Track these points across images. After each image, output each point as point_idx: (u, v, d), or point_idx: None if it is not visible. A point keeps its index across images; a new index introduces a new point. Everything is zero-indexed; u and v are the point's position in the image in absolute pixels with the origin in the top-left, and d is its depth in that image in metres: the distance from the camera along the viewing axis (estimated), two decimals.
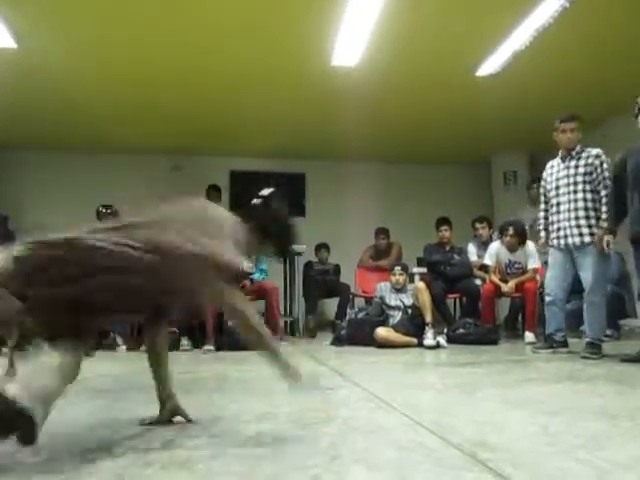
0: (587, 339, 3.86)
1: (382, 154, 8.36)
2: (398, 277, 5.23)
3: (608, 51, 5.25)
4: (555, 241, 4.08)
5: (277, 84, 5.96)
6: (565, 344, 4.16)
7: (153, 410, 2.12)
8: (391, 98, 6.30)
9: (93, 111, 6.56)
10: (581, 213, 3.92)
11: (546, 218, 4.24)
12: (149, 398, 2.41)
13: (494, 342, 4.86)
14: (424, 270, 6.08)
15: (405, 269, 5.41)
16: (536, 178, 6.53)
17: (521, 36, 4.88)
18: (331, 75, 5.63)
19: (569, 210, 3.97)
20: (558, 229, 4.05)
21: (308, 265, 6.67)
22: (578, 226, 3.92)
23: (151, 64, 5.48)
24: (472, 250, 5.85)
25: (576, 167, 3.98)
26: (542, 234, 4.29)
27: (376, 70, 5.54)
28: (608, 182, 3.85)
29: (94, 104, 6.35)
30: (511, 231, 5.15)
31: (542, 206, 4.26)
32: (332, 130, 7.34)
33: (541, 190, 4.29)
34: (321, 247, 6.94)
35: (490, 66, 5.51)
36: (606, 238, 3.74)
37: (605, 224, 3.81)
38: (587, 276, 3.88)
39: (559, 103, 5.84)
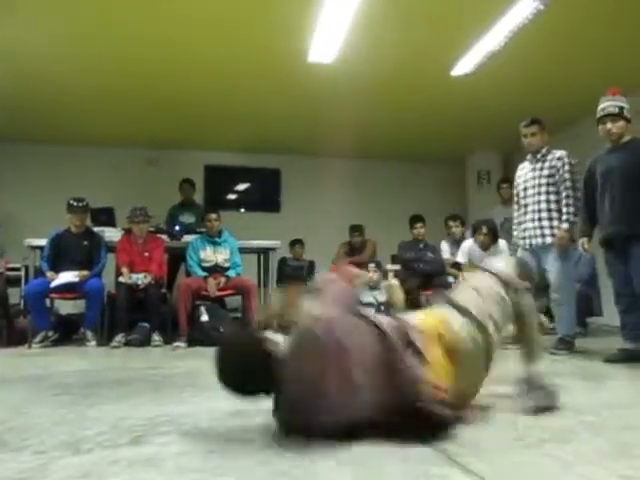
0: (558, 335, 3.94)
1: (357, 151, 8.38)
2: (372, 274, 5.25)
3: (582, 53, 5.33)
4: (522, 241, 4.18)
5: (254, 79, 5.91)
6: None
7: (122, 406, 2.10)
8: (367, 95, 6.31)
9: (68, 103, 6.42)
10: (544, 214, 4.00)
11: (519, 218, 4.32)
12: (117, 394, 2.39)
13: None
14: (398, 267, 6.12)
15: (379, 266, 5.43)
16: (506, 178, 6.65)
17: (496, 36, 4.93)
18: (307, 71, 5.62)
19: (533, 211, 4.07)
20: (524, 229, 4.15)
21: (283, 261, 6.65)
22: (541, 227, 4.00)
23: (127, 57, 5.37)
24: (445, 248, 5.90)
25: (541, 169, 4.06)
26: (515, 234, 4.35)
27: (352, 67, 5.54)
28: (569, 183, 3.91)
29: (70, 95, 6.21)
30: (484, 229, 5.21)
31: (515, 206, 4.33)
32: (308, 126, 7.33)
33: (514, 191, 4.36)
34: (296, 243, 6.93)
35: (464, 66, 5.56)
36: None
37: (565, 225, 3.88)
38: (551, 275, 3.97)
39: (533, 104, 5.94)
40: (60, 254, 4.92)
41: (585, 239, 3.82)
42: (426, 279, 5.75)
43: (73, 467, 1.34)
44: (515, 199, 4.33)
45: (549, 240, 3.95)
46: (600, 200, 3.64)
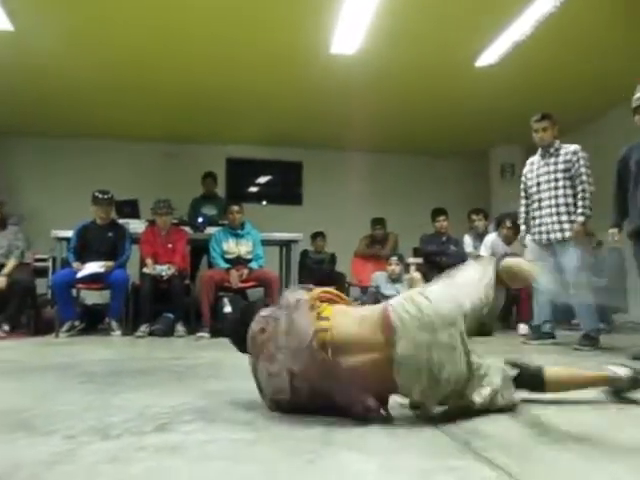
0: (583, 332, 3.89)
1: (380, 144, 8.34)
2: (394, 267, 5.24)
3: (610, 43, 5.23)
4: (537, 236, 4.13)
5: (275, 71, 5.92)
6: (552, 335, 4.21)
7: (147, 394, 2.13)
8: (389, 88, 6.27)
9: (89, 96, 6.51)
10: (562, 209, 3.97)
11: (527, 213, 4.28)
12: (142, 383, 2.43)
13: (488, 333, 4.88)
14: (420, 260, 6.09)
15: (401, 259, 5.41)
16: None
17: (522, 26, 4.85)
18: (330, 63, 5.60)
19: (550, 206, 4.03)
20: (540, 224, 4.10)
21: (304, 254, 6.66)
22: (559, 222, 3.97)
23: (147, 49, 5.43)
24: (468, 241, 5.85)
25: (555, 164, 4.03)
26: (522, 228, 4.35)
27: (375, 59, 5.51)
28: (584, 177, 3.89)
29: (90, 89, 6.29)
30: (508, 223, 5.16)
31: (522, 201, 4.31)
32: (330, 119, 7.31)
33: (521, 186, 4.33)
34: (317, 236, 6.93)
35: (489, 56, 5.49)
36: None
37: (581, 218, 3.86)
38: (569, 270, 3.91)
39: (559, 95, 5.85)
40: (86, 245, 5.01)
41: (615, 230, 3.75)
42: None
43: (102, 452, 1.37)
44: (522, 194, 4.30)
45: (568, 234, 3.91)
46: (633, 190, 3.56)
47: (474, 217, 5.89)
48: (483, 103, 6.71)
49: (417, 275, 5.31)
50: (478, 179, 8.79)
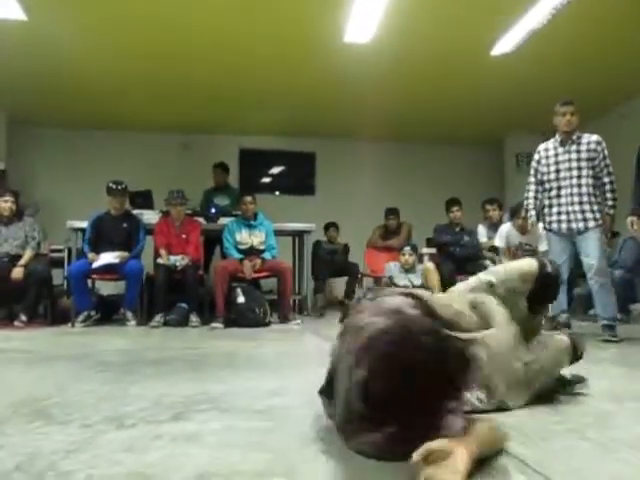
0: (604, 322, 3.81)
1: (394, 133, 8.29)
2: (407, 257, 5.22)
3: (627, 33, 5.13)
4: (555, 225, 4.02)
5: (289, 61, 5.90)
6: (568, 325, 4.16)
7: (162, 384, 2.15)
8: (403, 77, 6.22)
9: (103, 87, 6.53)
10: (585, 198, 3.88)
11: (536, 198, 4.19)
12: (157, 372, 2.44)
13: None
14: (433, 251, 6.06)
15: (414, 249, 5.39)
16: None
17: (538, 14, 4.78)
18: (344, 52, 5.56)
19: (572, 194, 3.92)
20: (559, 213, 4.00)
21: (317, 244, 6.66)
22: (582, 211, 3.88)
23: (161, 40, 5.43)
24: (482, 232, 5.81)
25: (578, 152, 3.92)
26: (532, 213, 4.23)
27: (389, 48, 5.46)
28: (611, 169, 3.83)
29: (105, 80, 6.32)
30: (523, 213, 5.11)
31: (533, 187, 4.20)
32: (343, 108, 7.27)
33: (532, 172, 4.22)
34: (330, 226, 6.92)
35: (505, 45, 5.41)
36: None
37: (612, 211, 3.80)
38: (591, 260, 3.84)
39: (575, 84, 5.76)
40: (100, 236, 5.05)
41: (635, 218, 3.68)
42: (462, 263, 5.68)
43: (118, 441, 1.38)
44: (532, 179, 4.18)
45: (592, 224, 3.83)
46: None
47: (488, 207, 5.84)
48: (498, 92, 6.63)
49: (431, 265, 5.29)
50: (493, 168, 8.71)
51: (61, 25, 5.10)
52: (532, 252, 5.22)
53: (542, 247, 5.18)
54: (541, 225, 5.13)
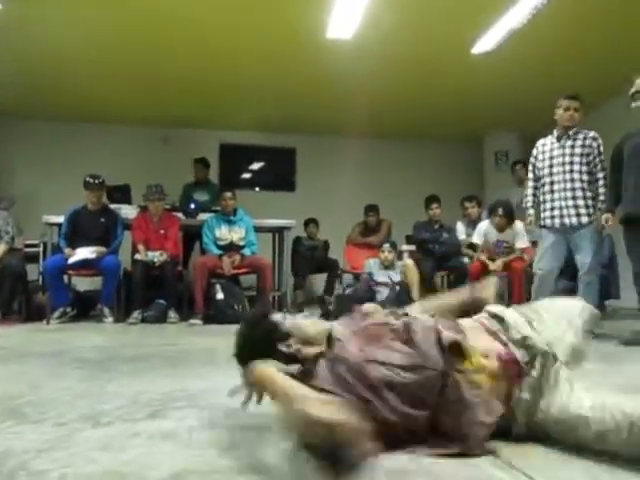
0: None
1: (374, 130, 8.30)
2: (387, 254, 5.24)
3: (607, 32, 5.20)
4: (549, 221, 4.00)
5: (270, 56, 5.85)
6: None
7: (139, 381, 2.12)
8: (385, 74, 6.22)
9: (82, 79, 6.40)
10: (579, 193, 3.87)
11: (534, 195, 4.17)
12: (135, 369, 2.42)
13: None
14: (413, 248, 6.09)
15: (394, 246, 5.41)
16: (520, 160, 6.56)
17: (518, 13, 4.82)
18: (326, 48, 5.54)
19: (565, 190, 3.91)
20: (552, 209, 3.98)
21: (297, 240, 6.65)
22: (576, 206, 3.87)
23: (141, 34, 5.35)
24: (461, 229, 5.85)
25: (572, 147, 3.91)
26: (530, 212, 4.21)
27: (371, 44, 5.45)
28: (605, 164, 3.84)
29: (83, 72, 6.18)
30: (500, 211, 5.15)
31: (531, 184, 4.17)
32: (325, 104, 7.26)
33: (530, 167, 4.20)
34: (310, 222, 6.92)
35: (486, 44, 5.45)
36: (604, 216, 3.74)
37: (604, 206, 3.82)
38: (584, 257, 3.86)
39: (554, 84, 5.80)
40: (77, 231, 4.97)
41: (609, 215, 3.71)
42: (441, 260, 5.73)
43: (94, 439, 1.36)
44: (531, 175, 4.16)
45: (585, 220, 3.82)
46: (625, 177, 3.56)
47: (467, 204, 5.89)
48: (479, 90, 6.68)
49: (410, 262, 5.32)
50: (472, 166, 8.77)
51: (39, 15, 4.98)
52: (509, 249, 5.30)
53: (519, 244, 5.25)
54: (519, 222, 5.20)
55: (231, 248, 5.09)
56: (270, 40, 5.48)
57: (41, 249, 5.77)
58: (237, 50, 5.71)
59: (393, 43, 5.48)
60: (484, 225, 5.32)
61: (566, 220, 3.89)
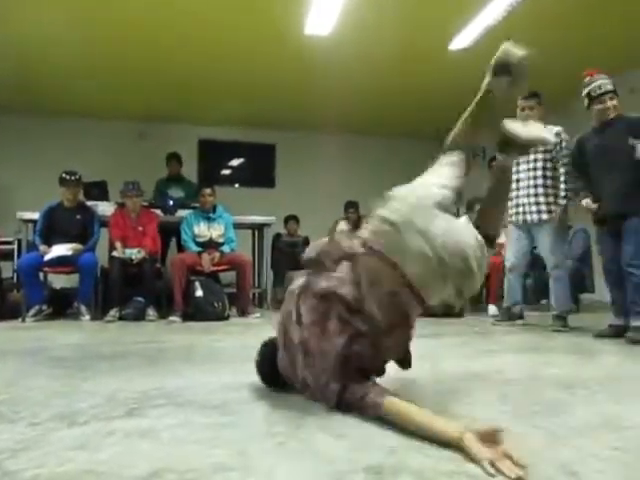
0: (554, 312, 3.96)
1: (354, 126, 8.32)
2: None
3: (582, 31, 5.29)
4: (514, 217, 4.13)
5: (249, 52, 5.83)
6: (521, 316, 4.31)
7: (116, 379, 2.10)
8: (363, 70, 6.24)
9: (58, 73, 6.31)
10: (540, 190, 3.98)
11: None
12: (112, 367, 2.40)
13: (459, 315, 4.95)
14: None
15: None
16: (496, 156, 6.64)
17: (495, 10, 4.86)
18: (304, 44, 5.54)
19: (528, 187, 4.03)
20: (517, 205, 4.10)
21: (277, 237, 6.64)
22: (537, 203, 3.98)
23: (119, 26, 5.27)
24: None
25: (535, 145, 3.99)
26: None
27: (349, 41, 5.47)
28: (567, 160, 3.90)
29: (60, 65, 6.10)
30: (477, 207, 5.21)
31: None
32: (304, 100, 7.26)
33: None
34: (290, 219, 6.91)
35: (463, 40, 5.49)
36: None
37: (563, 201, 3.89)
38: (546, 252, 3.98)
39: (530, 80, 5.89)
40: (53, 228, 4.90)
41: (589, 200, 3.66)
42: None
43: (69, 438, 1.34)
44: None
45: (545, 217, 3.94)
46: (599, 176, 3.59)
47: None
48: (456, 86, 6.70)
49: None
50: None
51: (13, 8, 4.89)
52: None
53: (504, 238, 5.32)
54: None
55: (210, 245, 5.07)
56: (249, 35, 5.45)
57: (15, 246, 5.67)
58: (215, 45, 5.68)
59: (371, 39, 5.50)
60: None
61: (527, 217, 4.03)
